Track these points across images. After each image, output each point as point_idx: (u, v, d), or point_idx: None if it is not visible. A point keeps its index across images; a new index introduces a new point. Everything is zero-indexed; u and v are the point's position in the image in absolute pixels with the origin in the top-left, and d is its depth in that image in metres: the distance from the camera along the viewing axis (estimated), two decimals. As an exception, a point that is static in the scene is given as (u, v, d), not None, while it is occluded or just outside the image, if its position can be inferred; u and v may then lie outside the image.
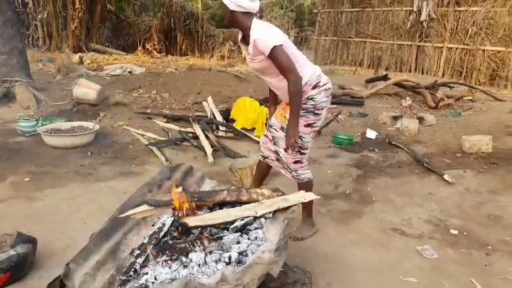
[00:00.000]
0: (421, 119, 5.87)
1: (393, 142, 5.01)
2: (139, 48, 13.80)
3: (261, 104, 5.50)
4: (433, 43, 9.98)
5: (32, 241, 2.29)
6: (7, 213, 2.94)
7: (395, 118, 5.99)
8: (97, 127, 4.77)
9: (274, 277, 1.95)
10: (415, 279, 2.42)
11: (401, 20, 10.63)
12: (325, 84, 2.70)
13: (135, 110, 5.97)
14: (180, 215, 1.79)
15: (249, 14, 2.58)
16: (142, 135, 4.99)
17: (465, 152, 4.70)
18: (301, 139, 2.67)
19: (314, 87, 2.65)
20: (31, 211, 3.01)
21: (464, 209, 3.37)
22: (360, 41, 11.68)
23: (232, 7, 2.52)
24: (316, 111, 2.68)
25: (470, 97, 7.12)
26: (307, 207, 2.88)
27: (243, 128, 5.24)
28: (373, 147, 4.94)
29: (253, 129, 5.31)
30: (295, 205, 2.07)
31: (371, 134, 5.37)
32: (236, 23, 2.60)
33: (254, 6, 2.57)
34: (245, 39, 2.65)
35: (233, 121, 5.45)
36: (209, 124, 5.17)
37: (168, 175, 2.24)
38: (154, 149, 4.51)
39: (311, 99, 2.65)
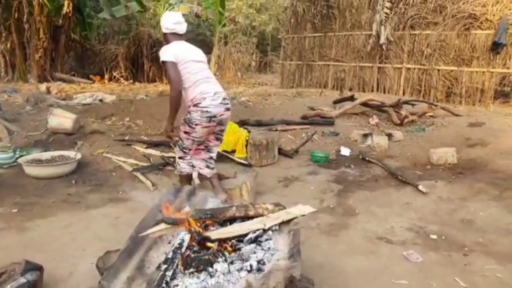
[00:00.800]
0: (389, 135, 6.26)
1: (367, 158, 5.31)
2: (106, 76, 13.74)
3: (240, 127, 5.69)
4: (392, 64, 10.66)
5: (39, 268, 2.30)
6: (2, 244, 2.90)
7: (365, 136, 6.35)
8: (78, 155, 4.76)
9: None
10: (406, 281, 2.62)
11: (362, 44, 11.28)
12: (204, 107, 3.32)
13: (113, 138, 5.97)
14: (197, 231, 1.90)
15: (176, 35, 3.46)
16: (124, 162, 5.02)
17: (434, 164, 5.07)
18: (182, 141, 3.53)
19: (195, 105, 3.32)
20: (26, 241, 2.98)
21: (440, 216, 3.66)
22: (324, 64, 12.24)
23: (163, 30, 3.48)
24: (191, 125, 3.36)
25: (431, 114, 7.65)
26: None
27: (224, 151, 5.38)
28: (349, 163, 5.22)
29: (233, 151, 5.47)
30: (296, 217, 2.25)
31: (345, 151, 5.66)
32: (166, 42, 3.50)
33: (177, 28, 3.45)
34: None
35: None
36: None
37: (174, 196, 2.35)
38: (139, 174, 4.56)
39: (189, 113, 3.35)
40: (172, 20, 3.46)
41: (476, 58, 9.44)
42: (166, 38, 3.50)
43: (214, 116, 3.40)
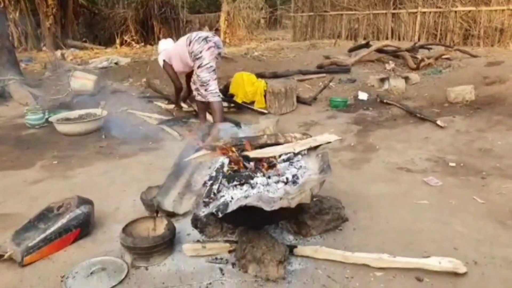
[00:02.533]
0: (406, 79, 6.27)
1: (385, 101, 5.38)
2: (117, 40, 13.75)
3: (257, 78, 5.77)
4: (407, 9, 10.38)
5: (90, 203, 2.54)
6: (51, 189, 3.16)
7: (382, 80, 6.37)
8: (105, 112, 4.95)
9: (313, 203, 2.29)
10: (427, 201, 2.80)
11: (375, -11, 10.96)
12: (195, 37, 4.17)
13: (135, 96, 6.14)
14: (235, 154, 2.08)
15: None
16: (149, 117, 5.21)
17: (451, 102, 5.12)
18: (198, 77, 4.24)
19: (189, 44, 4.16)
20: (71, 186, 3.23)
21: (458, 147, 3.78)
22: (336, 14, 11.98)
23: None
24: (197, 56, 4.14)
25: (447, 56, 7.56)
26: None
27: (243, 102, 5.51)
28: (367, 107, 5.31)
29: (252, 102, 5.58)
30: (322, 144, 2.40)
31: (362, 95, 5.73)
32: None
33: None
34: None
35: (232, 96, 5.70)
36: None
37: (207, 132, 2.52)
38: (165, 127, 4.75)
39: (192, 52, 4.16)
40: None
41: (496, -4, 9.11)
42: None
43: (207, 37, 4.18)
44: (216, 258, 2.16)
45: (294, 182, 1.86)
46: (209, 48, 4.13)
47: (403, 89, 5.85)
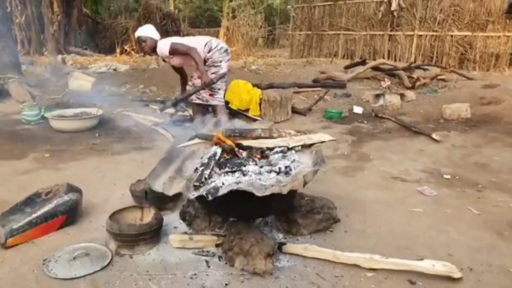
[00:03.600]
0: (402, 95, 6.32)
1: (380, 115, 5.41)
2: (118, 49, 13.85)
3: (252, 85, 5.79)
4: (404, 32, 10.56)
5: (79, 191, 2.48)
6: (41, 179, 3.10)
7: (377, 96, 6.42)
8: (100, 111, 4.93)
9: (304, 201, 2.26)
10: (421, 209, 2.77)
11: (372, 12, 11.17)
12: (216, 46, 4.20)
13: (131, 99, 6.14)
14: (228, 144, 2.05)
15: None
16: (144, 119, 5.18)
17: (447, 119, 5.15)
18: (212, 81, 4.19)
19: (209, 51, 4.17)
20: (62, 177, 3.14)
21: (453, 160, 3.78)
22: (334, 34, 12.16)
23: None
24: (216, 64, 4.21)
25: (443, 77, 7.65)
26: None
27: (239, 109, 5.51)
28: (362, 120, 5.33)
29: (247, 110, 5.59)
30: (317, 143, 2.38)
31: (358, 109, 5.76)
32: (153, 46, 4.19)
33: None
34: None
35: (227, 103, 5.71)
36: (204, 107, 5.41)
37: (202, 126, 2.50)
38: (159, 128, 4.72)
39: (210, 58, 4.19)
40: None
41: (491, 22, 9.30)
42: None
43: (227, 49, 4.29)
44: (203, 251, 2.11)
45: (287, 173, 1.83)
46: (228, 61, 4.30)
47: (398, 105, 5.89)
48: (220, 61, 4.23)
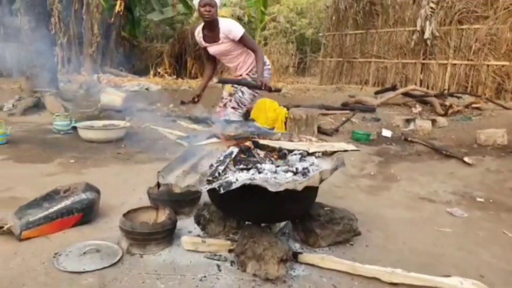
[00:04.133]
0: (433, 121, 6.11)
1: (409, 139, 5.23)
2: (151, 72, 14.34)
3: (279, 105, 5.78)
4: (437, 60, 10.37)
5: (97, 191, 2.49)
6: (62, 182, 3.10)
7: (408, 121, 6.24)
8: (128, 124, 5.03)
9: (323, 211, 2.16)
10: (450, 229, 2.59)
11: (405, 40, 11.07)
12: (267, 65, 3.54)
13: (160, 115, 6.25)
14: (245, 144, 2.01)
15: None
16: (170, 133, 5.24)
17: (481, 144, 4.91)
18: (243, 95, 3.51)
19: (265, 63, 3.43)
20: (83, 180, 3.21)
21: (487, 184, 3.56)
22: (365, 61, 12.12)
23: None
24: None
25: (478, 105, 7.39)
26: None
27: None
28: (390, 142, 5.17)
29: (272, 128, 5.55)
30: (339, 151, 2.29)
31: (386, 133, 5.60)
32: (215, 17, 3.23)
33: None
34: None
35: (253, 121, 5.70)
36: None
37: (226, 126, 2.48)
38: (184, 142, 4.75)
39: (262, 74, 3.29)
40: None
41: (529, 52, 9.01)
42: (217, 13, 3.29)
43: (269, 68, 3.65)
44: (215, 255, 2.04)
45: (304, 174, 1.76)
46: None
47: (429, 130, 5.70)
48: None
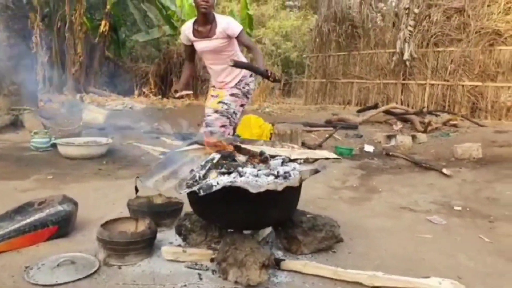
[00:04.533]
0: (413, 137, 6.25)
1: (390, 153, 5.32)
2: (136, 92, 14.30)
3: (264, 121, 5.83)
4: (416, 81, 10.68)
5: (75, 203, 2.43)
6: (38, 197, 3.05)
7: (389, 137, 6.36)
8: (110, 140, 4.98)
9: (306, 218, 2.16)
10: (430, 236, 2.62)
11: (385, 61, 11.40)
12: (253, 81, 3.44)
13: (143, 132, 6.21)
14: (227, 150, 2.01)
15: None
16: (153, 150, 5.20)
17: (458, 158, 5.04)
18: (235, 114, 3.36)
19: (251, 75, 3.36)
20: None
21: (464, 194, 3.63)
22: (347, 82, 12.38)
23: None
24: (248, 95, 3.40)
25: (455, 122, 7.60)
26: None
27: (248, 144, 5.50)
28: (372, 157, 5.25)
29: (257, 145, 5.58)
30: (321, 158, 2.32)
31: (369, 148, 5.70)
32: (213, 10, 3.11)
33: None
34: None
35: (238, 137, 5.71)
36: (215, 141, 5.44)
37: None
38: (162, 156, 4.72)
39: (247, 84, 3.36)
40: None
41: (501, 73, 9.36)
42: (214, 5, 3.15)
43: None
44: (196, 264, 2.00)
45: (285, 178, 1.76)
46: (251, 94, 3.59)
47: (410, 146, 5.81)
48: (251, 94, 3.49)
